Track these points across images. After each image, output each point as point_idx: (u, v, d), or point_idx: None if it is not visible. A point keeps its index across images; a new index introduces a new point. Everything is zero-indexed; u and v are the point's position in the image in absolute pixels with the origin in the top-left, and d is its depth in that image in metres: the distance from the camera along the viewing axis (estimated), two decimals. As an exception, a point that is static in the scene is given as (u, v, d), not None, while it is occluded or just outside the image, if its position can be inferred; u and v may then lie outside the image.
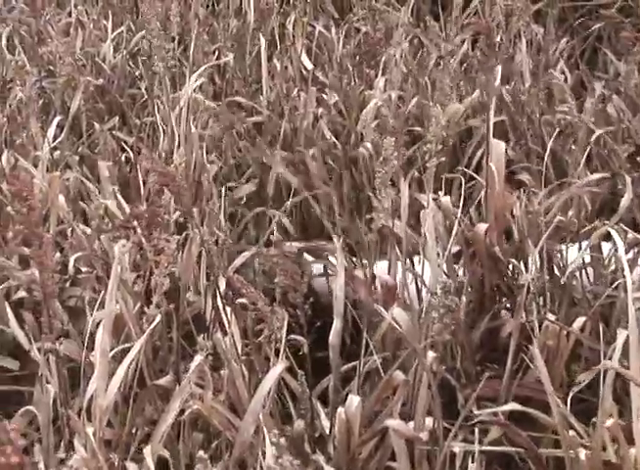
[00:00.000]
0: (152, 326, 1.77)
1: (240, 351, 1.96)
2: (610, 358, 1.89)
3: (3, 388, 2.12)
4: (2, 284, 2.26)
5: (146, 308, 1.86)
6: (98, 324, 2.00)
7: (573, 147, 2.60)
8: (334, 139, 3.04)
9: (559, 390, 2.04)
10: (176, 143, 2.91)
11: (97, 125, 3.18)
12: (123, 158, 3.07)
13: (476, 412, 1.85)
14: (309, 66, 3.27)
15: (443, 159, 2.13)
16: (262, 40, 3.47)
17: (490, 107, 2.24)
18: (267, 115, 3.15)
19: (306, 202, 2.87)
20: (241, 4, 4.23)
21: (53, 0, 4.19)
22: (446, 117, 2.18)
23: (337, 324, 2.00)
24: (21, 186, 1.47)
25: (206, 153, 2.98)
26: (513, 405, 1.88)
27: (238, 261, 2.32)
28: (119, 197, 2.35)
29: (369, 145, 2.74)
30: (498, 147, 2.28)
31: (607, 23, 4.02)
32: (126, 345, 1.85)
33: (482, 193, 2.42)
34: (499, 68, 2.50)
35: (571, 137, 2.98)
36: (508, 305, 2.37)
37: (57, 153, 2.93)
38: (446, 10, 4.19)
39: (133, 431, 1.91)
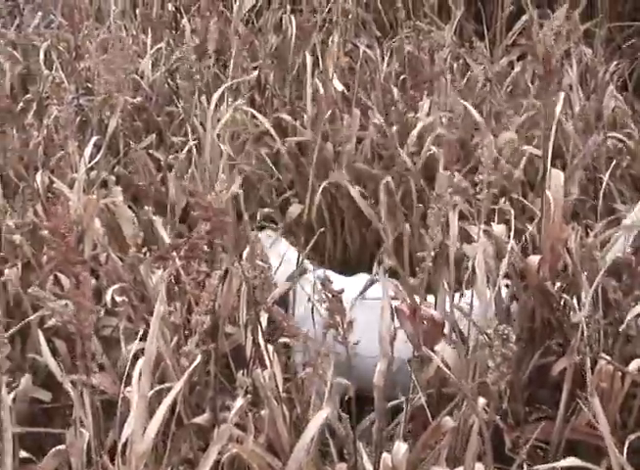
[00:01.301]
0: (192, 367, 1.69)
1: (281, 388, 1.87)
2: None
3: (35, 430, 2.04)
4: (36, 312, 2.19)
5: (184, 346, 1.78)
6: (134, 355, 1.93)
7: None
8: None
9: (614, 434, 1.94)
10: (207, 165, 2.85)
11: (132, 144, 3.12)
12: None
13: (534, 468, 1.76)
14: (340, 87, 3.18)
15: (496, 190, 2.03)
16: (308, 58, 3.36)
17: (550, 136, 2.14)
18: (311, 135, 3.07)
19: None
20: (281, 20, 4.16)
21: (91, 14, 4.14)
22: (499, 147, 2.07)
23: (382, 364, 1.91)
24: (58, 222, 1.40)
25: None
26: (573, 461, 1.77)
27: (277, 292, 2.23)
28: (158, 226, 2.27)
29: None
30: (557, 177, 2.17)
31: (656, 43, 3.91)
32: (164, 385, 1.76)
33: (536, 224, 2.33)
34: (562, 94, 2.39)
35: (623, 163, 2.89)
36: (559, 342, 2.28)
37: (93, 173, 2.87)
38: (491, 29, 4.11)
39: (168, 470, 1.84)
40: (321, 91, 3.32)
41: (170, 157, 3.10)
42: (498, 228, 2.21)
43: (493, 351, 1.57)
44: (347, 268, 3.00)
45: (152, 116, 3.45)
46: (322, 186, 2.66)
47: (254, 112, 3.16)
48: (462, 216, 2.44)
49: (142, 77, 3.62)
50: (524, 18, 3.96)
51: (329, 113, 3.09)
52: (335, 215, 2.95)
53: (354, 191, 2.67)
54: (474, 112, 2.86)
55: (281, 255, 2.41)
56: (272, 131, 3.06)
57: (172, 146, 3.27)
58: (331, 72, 2.94)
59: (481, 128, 2.89)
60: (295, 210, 2.82)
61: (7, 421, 1.56)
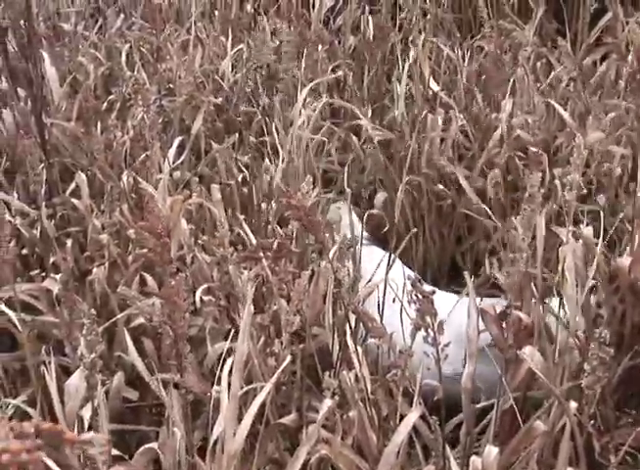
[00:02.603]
0: (281, 367, 1.69)
1: (369, 391, 1.86)
2: None
3: (126, 427, 2.06)
4: (123, 311, 2.22)
5: (271, 346, 1.79)
6: (220, 356, 1.94)
7: None
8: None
9: None
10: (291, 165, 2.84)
11: (214, 145, 3.14)
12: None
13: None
14: (436, 88, 3.15)
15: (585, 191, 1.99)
16: (411, 58, 3.32)
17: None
18: (395, 135, 3.06)
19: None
20: (359, 20, 4.16)
21: (172, 16, 4.18)
22: (589, 147, 2.03)
23: (470, 367, 1.89)
24: (154, 222, 1.41)
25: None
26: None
27: (363, 293, 2.22)
28: (245, 226, 2.28)
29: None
30: (646, 178, 2.14)
31: None
32: (254, 385, 1.77)
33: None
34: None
35: None
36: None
37: (176, 173, 2.89)
38: (572, 28, 4.04)
39: (255, 471, 1.84)
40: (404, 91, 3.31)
41: (248, 157, 3.11)
42: (587, 230, 2.17)
43: (589, 354, 1.54)
44: (429, 268, 2.99)
45: (232, 116, 3.47)
46: (404, 183, 2.64)
47: (351, 105, 3.15)
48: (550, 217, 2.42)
49: (222, 78, 3.64)
50: (607, 16, 3.89)
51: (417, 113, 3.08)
52: (415, 215, 2.93)
53: (464, 181, 2.65)
54: (562, 112, 2.83)
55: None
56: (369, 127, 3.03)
57: (252, 146, 3.27)
58: (427, 73, 2.92)
59: (568, 129, 2.85)
60: (381, 196, 2.81)
61: (102, 418, 1.58)
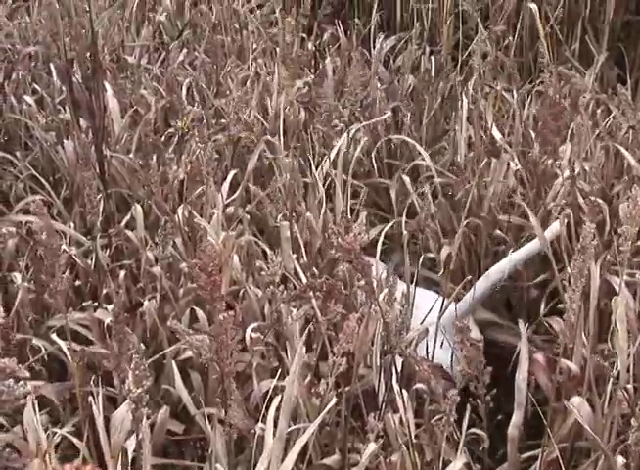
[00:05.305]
0: (326, 409, 1.69)
1: (413, 435, 1.85)
2: None
3: (170, 462, 2.07)
4: (171, 344, 2.24)
5: (317, 386, 1.79)
6: (265, 394, 1.95)
7: None
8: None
9: None
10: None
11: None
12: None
13: None
14: (498, 135, 3.14)
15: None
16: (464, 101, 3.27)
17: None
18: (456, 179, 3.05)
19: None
20: (420, 59, 4.18)
21: (234, 51, 4.22)
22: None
23: (517, 416, 1.88)
24: (207, 261, 1.42)
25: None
26: None
27: (410, 335, 2.22)
28: (297, 264, 2.29)
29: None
30: None
31: None
32: (299, 426, 1.77)
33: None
34: None
35: None
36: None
37: (229, 209, 2.90)
38: (633, 74, 4.02)
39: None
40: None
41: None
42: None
43: (638, 409, 1.52)
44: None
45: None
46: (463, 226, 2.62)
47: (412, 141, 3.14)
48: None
49: (277, 115, 3.65)
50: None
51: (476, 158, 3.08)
52: (472, 259, 2.91)
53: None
54: (627, 154, 2.79)
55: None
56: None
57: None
58: (491, 121, 2.90)
59: (626, 176, 2.83)
60: (445, 251, 2.77)
61: (146, 453, 1.59)
